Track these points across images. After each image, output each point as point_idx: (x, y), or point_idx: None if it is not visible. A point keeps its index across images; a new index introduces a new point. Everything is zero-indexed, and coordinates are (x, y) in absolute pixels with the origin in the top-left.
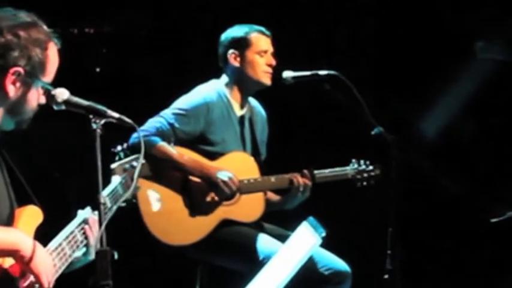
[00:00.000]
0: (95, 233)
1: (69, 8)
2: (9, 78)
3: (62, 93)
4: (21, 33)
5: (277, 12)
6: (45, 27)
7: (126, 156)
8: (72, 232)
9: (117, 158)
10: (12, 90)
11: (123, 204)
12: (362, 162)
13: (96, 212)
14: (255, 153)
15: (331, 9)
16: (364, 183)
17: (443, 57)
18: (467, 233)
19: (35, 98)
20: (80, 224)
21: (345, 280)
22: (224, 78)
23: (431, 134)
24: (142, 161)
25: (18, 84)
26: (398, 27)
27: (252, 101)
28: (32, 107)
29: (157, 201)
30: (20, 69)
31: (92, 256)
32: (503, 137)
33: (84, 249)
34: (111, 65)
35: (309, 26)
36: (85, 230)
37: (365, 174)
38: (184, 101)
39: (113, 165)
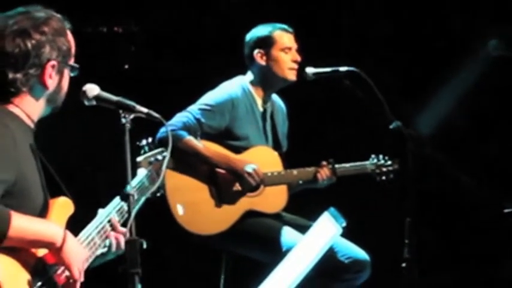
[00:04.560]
0: (120, 238)
1: (98, 8)
2: (47, 73)
3: (92, 89)
4: (46, 29)
5: (295, 10)
6: (57, 14)
7: (150, 149)
8: (101, 223)
9: (142, 151)
10: (51, 83)
11: (158, 195)
12: (381, 157)
13: (115, 214)
14: (277, 146)
15: (338, 9)
16: (383, 177)
17: (446, 55)
18: (481, 223)
19: (67, 82)
20: (107, 216)
21: (364, 268)
22: (249, 75)
23: (426, 126)
24: (168, 154)
25: (54, 76)
26: (403, 26)
27: (272, 95)
28: (65, 91)
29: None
30: (54, 62)
31: (111, 257)
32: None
33: (105, 249)
34: (139, 62)
35: (318, 25)
36: (109, 236)
37: (384, 169)
38: (211, 97)
39: (139, 159)
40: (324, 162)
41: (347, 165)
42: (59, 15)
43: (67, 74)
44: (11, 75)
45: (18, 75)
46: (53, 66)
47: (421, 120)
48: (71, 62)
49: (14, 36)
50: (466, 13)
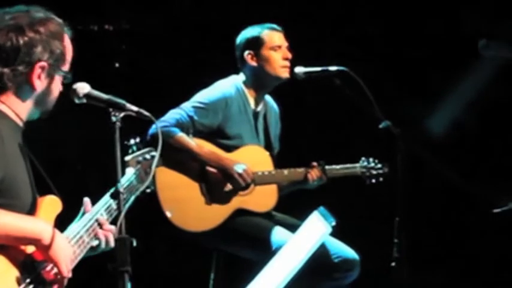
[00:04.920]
0: (109, 235)
1: (89, 6)
2: (36, 73)
3: (83, 88)
4: (41, 29)
5: (290, 10)
6: (58, 19)
7: (139, 149)
8: (90, 220)
9: (130, 150)
10: (39, 84)
11: (148, 191)
12: (371, 160)
13: (103, 212)
14: (269, 147)
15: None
16: (373, 180)
17: (449, 55)
18: (470, 223)
19: (58, 87)
20: (96, 214)
21: (353, 267)
22: (242, 76)
23: (436, 129)
24: (158, 152)
25: (43, 78)
26: (405, 25)
27: (266, 96)
28: (55, 96)
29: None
30: (45, 64)
31: (99, 251)
32: (507, 130)
33: (97, 242)
34: (129, 61)
35: (318, 23)
36: (97, 233)
37: (374, 172)
38: (204, 95)
39: (127, 158)
40: (315, 163)
41: (337, 166)
42: (59, 20)
43: (58, 79)
44: None
45: (6, 70)
46: (42, 68)
47: (426, 120)
48: (65, 68)
49: (8, 31)
50: (470, 14)
